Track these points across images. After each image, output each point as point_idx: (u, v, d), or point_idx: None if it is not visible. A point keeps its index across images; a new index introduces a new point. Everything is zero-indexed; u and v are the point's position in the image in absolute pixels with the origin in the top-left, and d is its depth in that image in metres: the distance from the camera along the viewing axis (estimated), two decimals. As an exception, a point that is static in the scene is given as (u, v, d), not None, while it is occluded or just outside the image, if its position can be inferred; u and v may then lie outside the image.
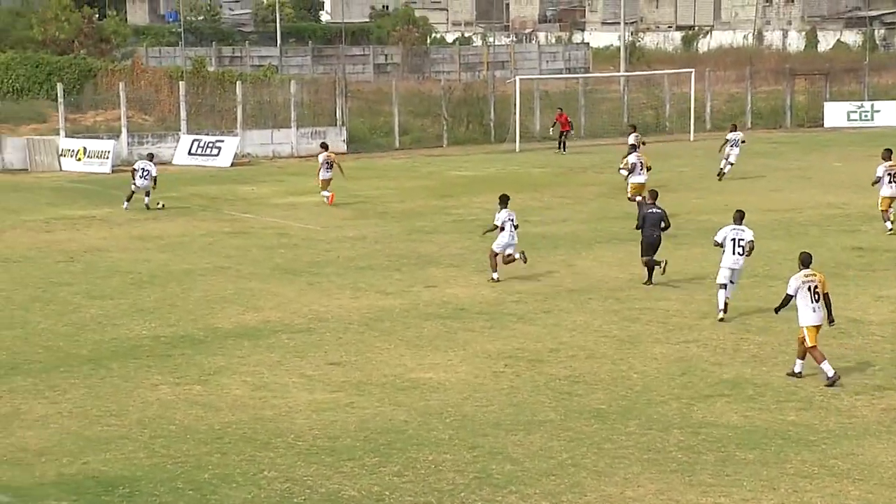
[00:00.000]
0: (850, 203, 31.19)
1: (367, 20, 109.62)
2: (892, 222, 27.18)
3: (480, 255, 25.34)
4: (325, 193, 32.88)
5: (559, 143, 47.05)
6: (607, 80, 63.33)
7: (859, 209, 30.52)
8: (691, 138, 50.39)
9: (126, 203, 32.52)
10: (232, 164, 43.22)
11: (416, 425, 14.50)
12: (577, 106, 52.34)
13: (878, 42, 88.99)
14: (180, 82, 46.78)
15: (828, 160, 41.74)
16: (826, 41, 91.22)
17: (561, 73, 79.46)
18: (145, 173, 32.41)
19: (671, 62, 72.40)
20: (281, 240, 27.60)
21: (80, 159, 42.49)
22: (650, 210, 22.29)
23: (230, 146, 44.08)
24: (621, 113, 54.19)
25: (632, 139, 34.76)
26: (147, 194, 32.50)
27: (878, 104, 55.89)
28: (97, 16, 69.04)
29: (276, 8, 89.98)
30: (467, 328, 19.16)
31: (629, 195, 30.57)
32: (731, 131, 38.11)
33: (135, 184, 32.46)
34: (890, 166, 27.06)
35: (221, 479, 12.86)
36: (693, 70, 53.03)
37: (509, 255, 22.75)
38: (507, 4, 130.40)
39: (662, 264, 21.98)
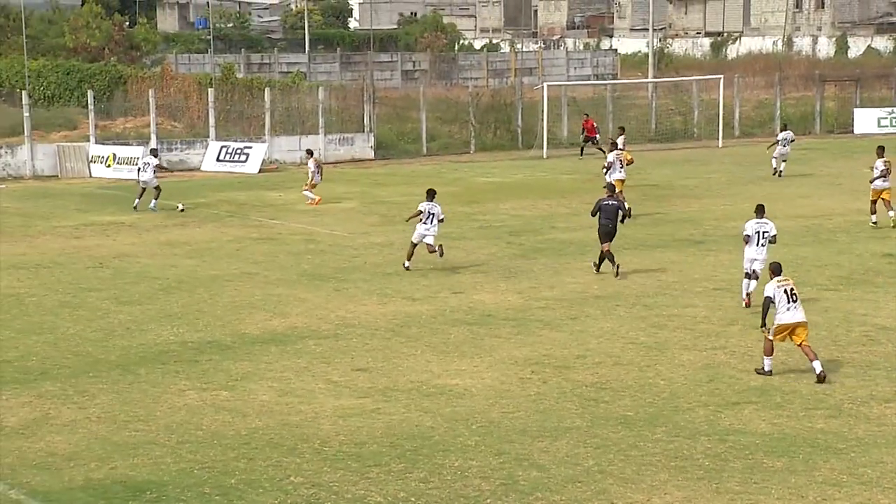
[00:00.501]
0: (879, 210, 30.86)
1: (395, 27, 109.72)
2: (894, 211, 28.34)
3: (507, 261, 25.36)
4: (312, 196, 33.98)
5: (581, 150, 46.96)
6: (635, 87, 63.17)
7: (889, 216, 30.27)
8: (720, 144, 50.20)
9: (137, 200, 33.30)
10: (260, 171, 43.36)
11: (443, 431, 14.48)
12: (605, 112, 52.18)
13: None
14: (209, 89, 46.99)
15: (857, 167, 41.38)
16: (857, 47, 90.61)
17: (589, 80, 79.30)
18: (146, 166, 33.53)
19: (700, 68, 72.08)
20: (308, 246, 27.65)
21: (109, 165, 42.71)
22: (606, 202, 23.85)
23: (258, 153, 44.22)
24: (649, 119, 54.08)
25: (619, 141, 35.32)
26: (157, 193, 33.12)
27: (908, 110, 55.46)
28: (127, 23, 69.43)
29: (305, 15, 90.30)
30: (494, 334, 19.14)
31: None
32: (781, 131, 40.72)
33: (139, 180, 33.52)
34: (885, 162, 28.35)
35: (248, 485, 12.89)
36: (722, 76, 52.83)
37: (429, 244, 24.06)
38: (536, 11, 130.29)
39: (616, 268, 23.37)
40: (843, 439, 14.07)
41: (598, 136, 47.48)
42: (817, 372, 16.31)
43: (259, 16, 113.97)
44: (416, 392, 16.08)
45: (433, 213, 24.06)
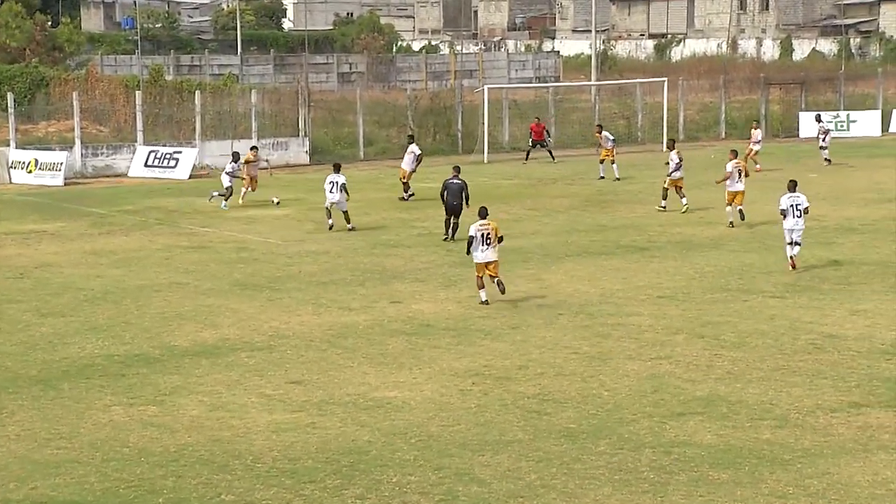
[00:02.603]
0: (826, 215, 30.86)
1: (331, 28, 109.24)
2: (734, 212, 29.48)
3: (447, 269, 25.03)
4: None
5: (527, 154, 46.58)
6: (578, 90, 63.22)
7: (835, 222, 30.31)
8: (664, 148, 50.10)
9: (220, 199, 34.11)
10: (190, 176, 42.48)
11: (380, 446, 14.17)
12: (547, 116, 52.00)
13: (853, 51, 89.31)
14: (137, 92, 46.06)
15: (803, 171, 41.50)
16: (801, 50, 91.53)
17: (531, 82, 79.39)
18: (233, 168, 34.75)
19: (643, 71, 72.43)
20: (241, 254, 27.13)
21: (31, 171, 41.49)
22: (452, 181, 27.36)
23: (188, 158, 43.31)
24: (592, 122, 53.80)
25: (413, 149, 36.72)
26: (227, 194, 34.02)
27: (853, 114, 55.67)
28: (50, 23, 68.30)
29: (237, 15, 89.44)
30: (433, 345, 18.78)
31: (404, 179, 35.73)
32: (818, 121, 45.09)
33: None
34: (737, 163, 29.62)
35: (176, 505, 12.44)
36: (666, 79, 52.66)
37: (342, 212, 29.47)
38: (476, 12, 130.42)
39: (449, 236, 27.48)
40: (790, 450, 13.89)
41: (547, 139, 47.04)
42: (496, 281, 20.58)
43: (189, 16, 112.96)
44: (352, 405, 15.72)
45: (335, 182, 29.22)
